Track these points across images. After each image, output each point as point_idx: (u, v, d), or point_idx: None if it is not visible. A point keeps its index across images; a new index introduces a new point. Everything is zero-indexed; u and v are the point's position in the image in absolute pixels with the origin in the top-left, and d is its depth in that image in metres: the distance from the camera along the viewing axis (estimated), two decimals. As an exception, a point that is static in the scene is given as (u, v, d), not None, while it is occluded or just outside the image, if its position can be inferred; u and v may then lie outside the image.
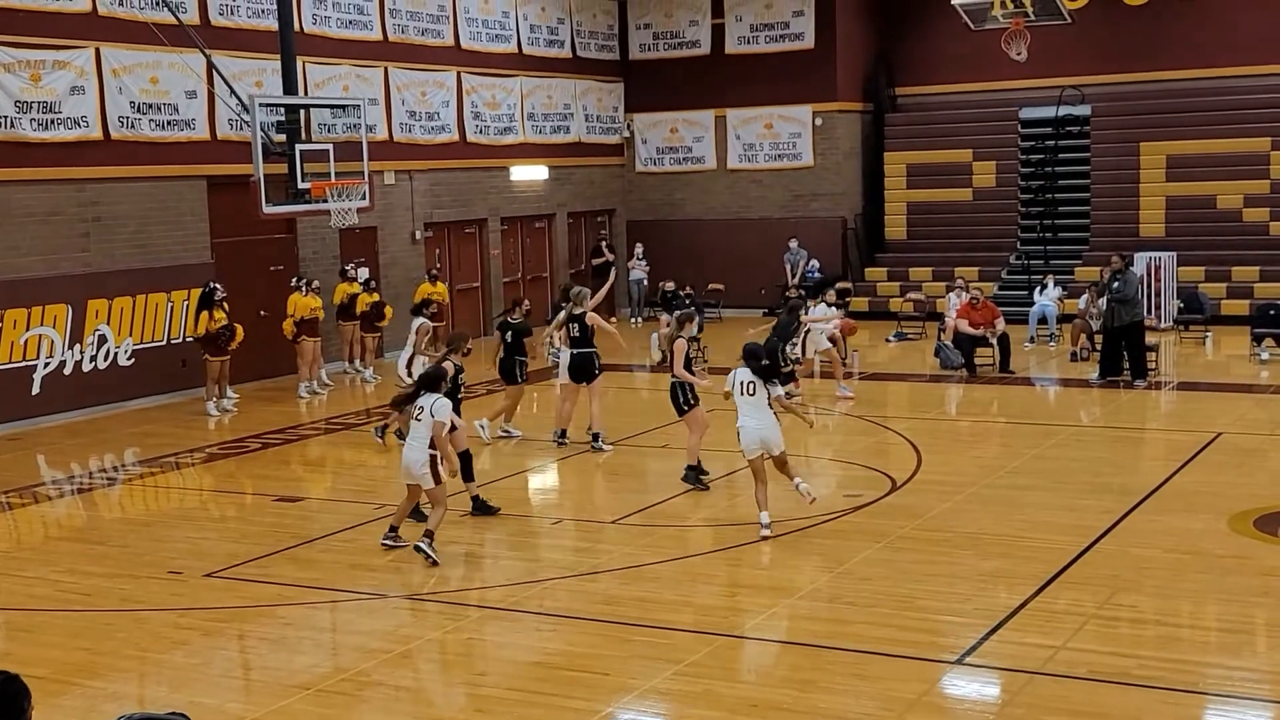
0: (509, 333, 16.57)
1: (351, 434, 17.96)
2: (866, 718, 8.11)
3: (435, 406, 11.47)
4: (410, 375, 15.71)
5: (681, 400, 14.03)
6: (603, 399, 16.47)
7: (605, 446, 15.96)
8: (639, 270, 29.73)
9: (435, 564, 11.36)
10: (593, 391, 16.10)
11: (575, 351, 16.08)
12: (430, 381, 11.79)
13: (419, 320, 16.82)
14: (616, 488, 14.47)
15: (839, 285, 28.20)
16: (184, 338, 20.51)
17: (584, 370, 16.02)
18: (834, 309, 20.74)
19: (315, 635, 10.19)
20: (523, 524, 13.23)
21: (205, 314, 19.39)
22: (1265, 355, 21.40)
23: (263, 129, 19.17)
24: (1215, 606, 10.02)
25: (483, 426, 16.52)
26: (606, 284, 20.62)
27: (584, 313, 16.04)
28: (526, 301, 17.36)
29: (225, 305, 19.55)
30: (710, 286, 29.29)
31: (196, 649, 9.82)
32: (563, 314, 16.32)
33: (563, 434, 16.30)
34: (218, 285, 19.68)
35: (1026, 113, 29.34)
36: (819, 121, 29.78)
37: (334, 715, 8.50)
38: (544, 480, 15.35)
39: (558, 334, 16.80)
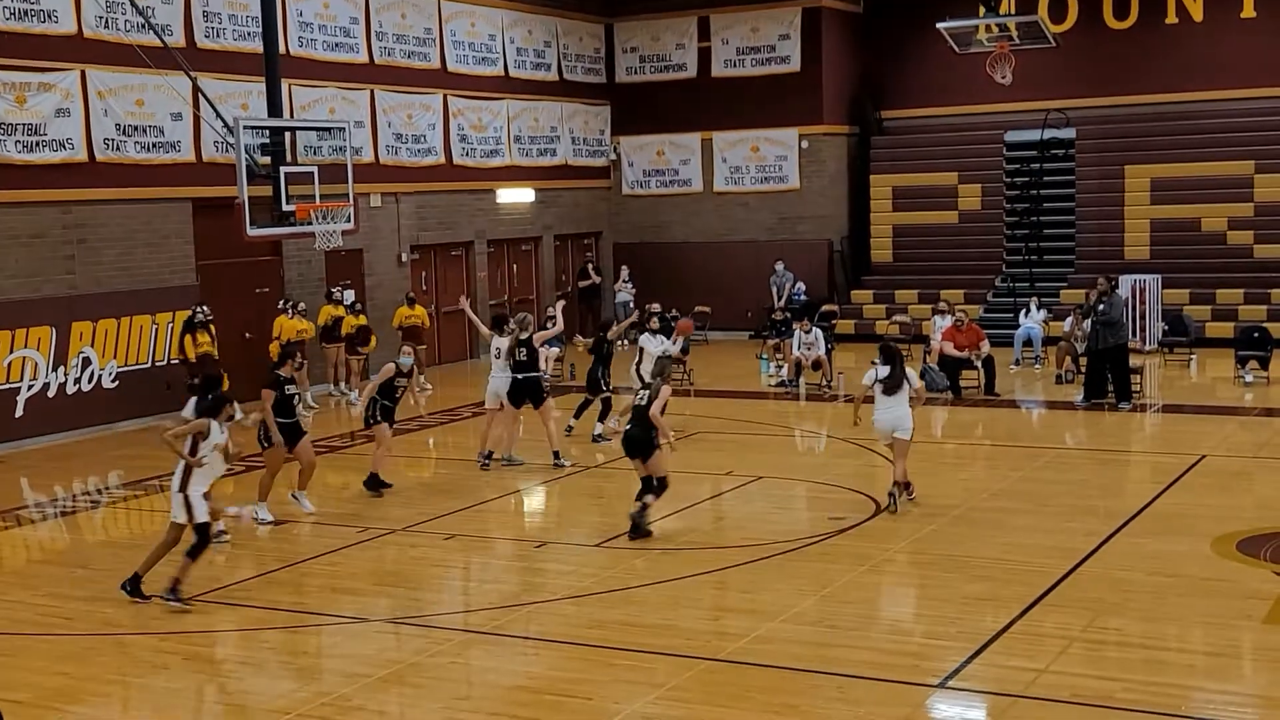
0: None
1: (337, 456, 17.90)
2: (849, 742, 8.09)
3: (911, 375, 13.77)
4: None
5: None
6: (557, 420, 16.94)
7: (565, 463, 16.31)
8: (625, 293, 29.73)
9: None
10: (545, 414, 16.50)
11: (522, 376, 16.37)
12: (893, 354, 13.70)
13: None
14: (601, 510, 14.44)
15: (824, 308, 28.35)
16: (169, 360, 20.46)
17: (532, 394, 16.41)
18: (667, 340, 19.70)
19: (297, 659, 10.14)
20: (507, 547, 13.20)
21: (189, 338, 19.38)
22: (1249, 378, 21.46)
23: (248, 151, 19.16)
24: (1199, 630, 10.02)
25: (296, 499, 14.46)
26: (627, 321, 20.26)
27: (529, 337, 16.47)
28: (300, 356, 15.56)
29: (211, 329, 19.52)
30: (696, 309, 29.27)
31: (178, 674, 9.76)
32: (509, 339, 16.47)
33: (489, 456, 16.50)
34: (201, 308, 19.66)
35: (1012, 136, 29.45)
36: (805, 144, 29.87)
37: (315, 740, 8.46)
38: (528, 503, 15.32)
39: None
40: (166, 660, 10.04)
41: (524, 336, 16.40)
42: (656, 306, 25.87)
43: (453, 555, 12.85)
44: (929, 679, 9.06)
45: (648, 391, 12.94)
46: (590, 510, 14.46)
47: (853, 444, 17.20)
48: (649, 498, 12.80)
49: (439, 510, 14.32)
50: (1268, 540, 12.15)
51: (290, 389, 14.07)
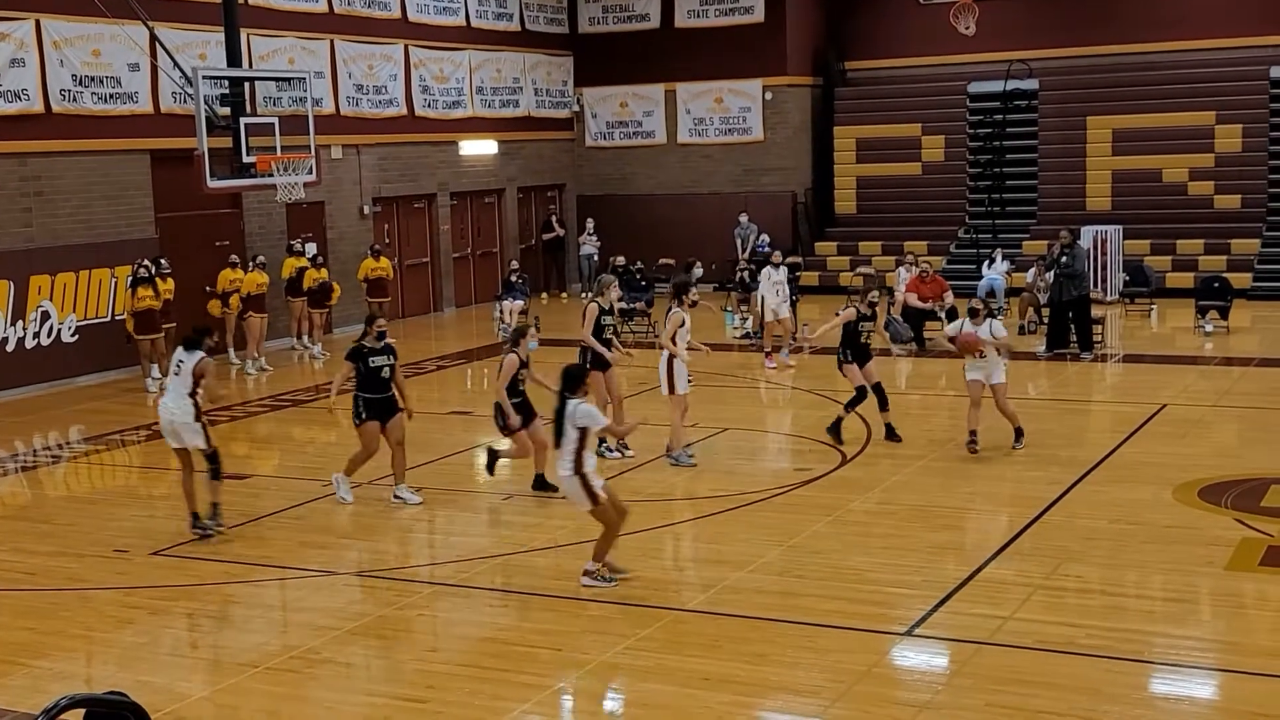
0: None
1: (300, 410, 17.82)
2: (817, 690, 8.15)
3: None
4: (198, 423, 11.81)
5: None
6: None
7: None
8: (590, 245, 29.63)
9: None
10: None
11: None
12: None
13: (198, 357, 11.88)
14: (567, 463, 14.41)
15: (789, 260, 28.31)
16: (127, 314, 20.27)
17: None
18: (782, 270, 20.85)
19: (264, 613, 10.12)
20: (474, 499, 13.20)
21: (129, 293, 19.25)
22: (1209, 327, 21.64)
23: (207, 102, 18.89)
24: (1160, 576, 10.14)
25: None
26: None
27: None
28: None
29: (157, 284, 19.31)
30: (661, 261, 29.21)
31: (144, 628, 9.73)
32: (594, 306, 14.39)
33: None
34: (144, 263, 19.45)
35: (975, 87, 29.44)
36: (769, 96, 29.77)
37: (284, 693, 8.45)
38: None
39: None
40: (132, 615, 10.00)
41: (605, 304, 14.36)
42: (622, 259, 25.87)
43: (419, 508, 12.81)
44: (895, 627, 9.13)
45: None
46: (556, 463, 14.44)
47: (817, 395, 17.26)
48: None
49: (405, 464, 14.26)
50: (1228, 487, 12.29)
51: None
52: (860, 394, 14.53)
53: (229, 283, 20.92)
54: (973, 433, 13.81)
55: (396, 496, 12.82)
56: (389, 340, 12.89)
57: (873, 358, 14.69)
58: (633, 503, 12.36)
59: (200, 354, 11.82)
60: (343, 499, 12.79)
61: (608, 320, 14.15)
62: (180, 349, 11.96)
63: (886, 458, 13.88)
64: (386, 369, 12.64)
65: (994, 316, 14.18)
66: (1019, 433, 14.02)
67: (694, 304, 14.90)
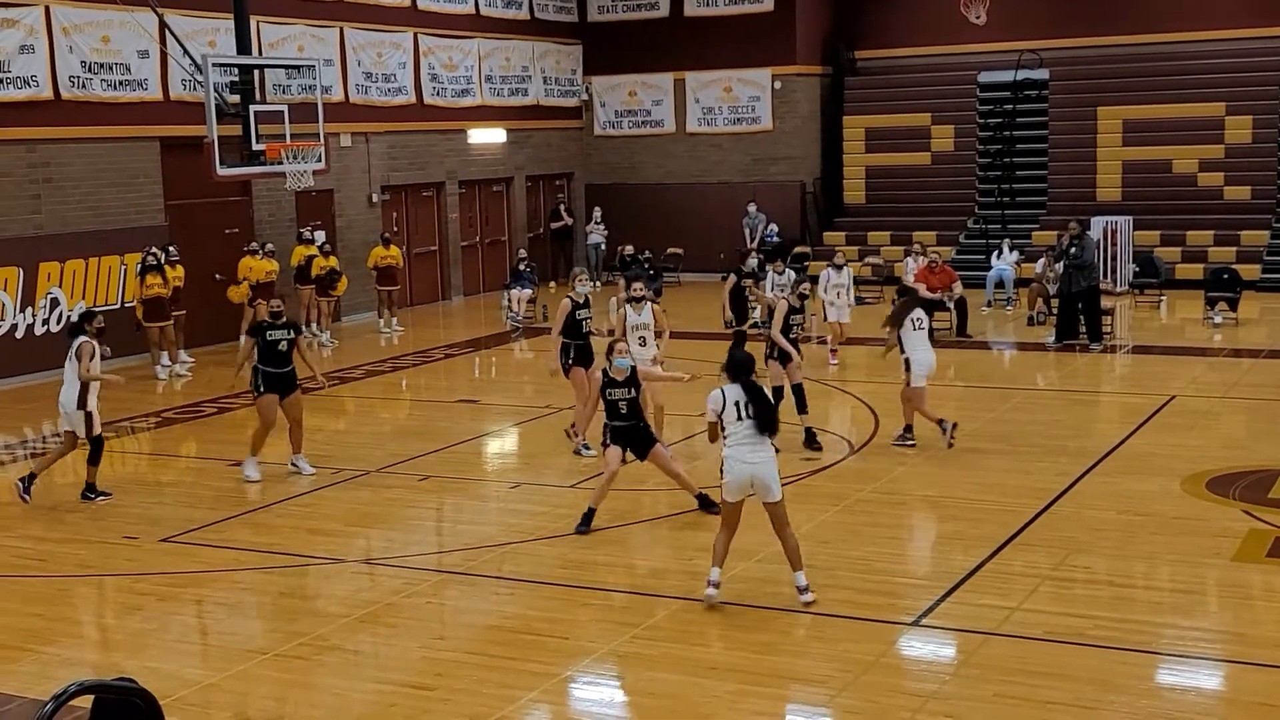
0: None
1: (308, 398, 17.78)
2: (825, 679, 8.15)
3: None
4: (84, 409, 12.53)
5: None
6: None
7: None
8: (597, 234, 29.63)
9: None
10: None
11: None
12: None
13: (80, 340, 12.57)
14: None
15: (797, 250, 28.32)
16: (136, 302, 20.30)
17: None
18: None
19: (273, 600, 10.14)
20: (481, 488, 13.22)
21: (138, 280, 19.29)
22: (1218, 319, 21.59)
23: (216, 90, 18.91)
24: (1168, 567, 10.13)
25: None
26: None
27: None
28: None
29: (165, 271, 19.35)
30: (669, 250, 29.24)
31: (153, 614, 9.75)
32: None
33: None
34: (153, 251, 19.48)
35: (985, 76, 29.37)
36: (778, 85, 29.71)
37: (292, 679, 8.47)
38: (502, 444, 15.33)
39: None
40: (141, 601, 10.02)
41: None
42: (630, 248, 25.86)
43: (426, 497, 12.85)
44: (903, 617, 9.13)
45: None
46: (563, 452, 14.43)
47: (825, 385, 17.24)
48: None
49: (412, 452, 14.31)
50: (1236, 479, 12.28)
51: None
52: (778, 394, 13.52)
53: (248, 270, 20.93)
54: (942, 422, 13.76)
55: (293, 465, 13.48)
56: (288, 319, 13.64)
57: (801, 354, 14.13)
58: (639, 492, 12.41)
59: (81, 338, 12.52)
60: (249, 477, 13.17)
61: (583, 314, 13.97)
62: (68, 335, 12.66)
63: (894, 448, 13.87)
64: (284, 343, 13.31)
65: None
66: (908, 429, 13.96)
67: (638, 299, 13.72)
